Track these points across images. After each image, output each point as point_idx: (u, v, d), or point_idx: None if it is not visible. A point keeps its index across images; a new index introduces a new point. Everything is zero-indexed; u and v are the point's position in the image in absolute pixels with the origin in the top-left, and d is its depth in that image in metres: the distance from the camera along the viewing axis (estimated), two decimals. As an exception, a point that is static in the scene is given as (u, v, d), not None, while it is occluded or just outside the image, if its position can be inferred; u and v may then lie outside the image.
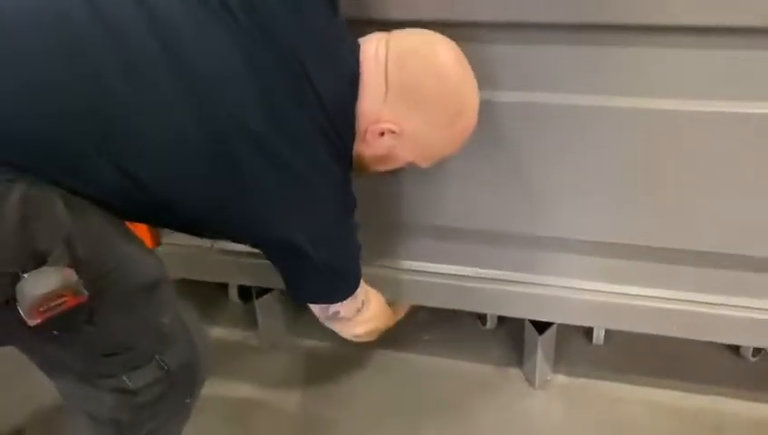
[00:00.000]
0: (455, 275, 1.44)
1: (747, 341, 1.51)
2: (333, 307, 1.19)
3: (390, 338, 1.50)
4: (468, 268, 1.43)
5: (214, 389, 1.27)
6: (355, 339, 1.31)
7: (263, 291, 1.76)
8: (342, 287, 1.17)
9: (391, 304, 1.39)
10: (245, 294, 1.90)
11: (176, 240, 1.57)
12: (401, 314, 1.48)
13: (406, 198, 1.35)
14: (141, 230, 1.53)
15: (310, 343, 1.80)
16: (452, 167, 1.24)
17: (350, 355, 1.72)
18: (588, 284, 1.37)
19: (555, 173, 1.24)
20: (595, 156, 1.20)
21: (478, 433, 1.53)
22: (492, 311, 1.49)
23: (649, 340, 1.72)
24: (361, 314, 1.24)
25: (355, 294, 1.18)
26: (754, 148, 1.13)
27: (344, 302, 1.18)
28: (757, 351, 1.68)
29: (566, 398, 1.63)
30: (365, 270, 1.19)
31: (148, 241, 1.55)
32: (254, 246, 1.11)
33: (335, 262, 1.11)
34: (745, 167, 1.15)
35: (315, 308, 1.21)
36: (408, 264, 1.46)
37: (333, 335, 1.31)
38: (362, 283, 1.20)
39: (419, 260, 1.46)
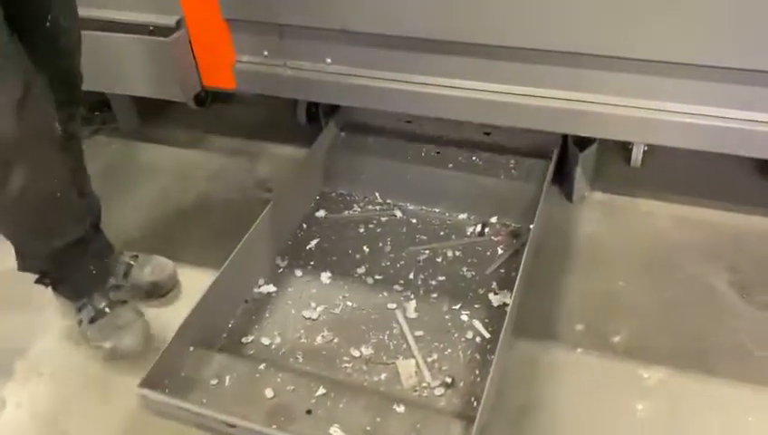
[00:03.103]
0: (495, 92, 1.55)
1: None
2: None
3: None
4: (519, 87, 1.55)
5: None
6: None
7: (331, 110, 1.93)
8: None
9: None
10: (313, 116, 2.09)
11: (251, 57, 1.72)
12: None
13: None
14: (223, 44, 1.69)
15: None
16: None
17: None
18: (628, 101, 1.48)
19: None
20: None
21: (519, 237, 1.74)
22: (536, 126, 1.61)
23: (682, 162, 1.88)
24: None
25: None
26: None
27: None
28: (785, 174, 1.82)
29: (600, 212, 1.81)
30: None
31: (227, 57, 1.71)
32: None
33: None
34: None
35: None
36: (455, 81, 1.59)
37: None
38: None
39: (468, 79, 1.57)
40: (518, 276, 1.46)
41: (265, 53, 1.71)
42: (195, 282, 1.64)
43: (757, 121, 1.42)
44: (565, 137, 1.79)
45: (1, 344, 1.50)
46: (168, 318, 1.54)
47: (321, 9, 1.56)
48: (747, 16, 1.28)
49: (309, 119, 2.11)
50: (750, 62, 1.34)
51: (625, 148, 1.89)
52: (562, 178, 1.85)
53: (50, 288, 1.53)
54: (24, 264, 1.47)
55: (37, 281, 1.51)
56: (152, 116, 2.26)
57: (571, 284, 1.62)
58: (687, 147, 1.49)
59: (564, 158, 1.81)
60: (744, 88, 1.39)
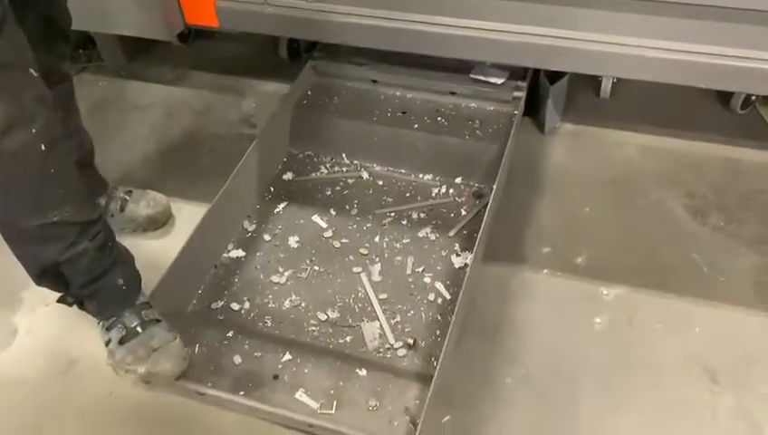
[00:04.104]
0: (469, 27, 1.61)
1: (738, 88, 1.70)
2: None
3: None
4: (492, 23, 1.61)
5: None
6: None
7: (310, 46, 1.98)
8: None
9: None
10: (294, 52, 2.14)
11: (233, -5, 1.76)
12: None
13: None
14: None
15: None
16: None
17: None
18: (595, 36, 1.55)
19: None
20: None
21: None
22: (507, 61, 1.67)
23: (650, 95, 1.97)
24: None
25: None
26: None
27: None
28: (746, 105, 1.91)
29: (570, 141, 1.91)
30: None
31: (209, -4, 1.75)
32: None
33: None
34: None
35: None
36: (432, 18, 1.64)
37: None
38: None
39: (443, 15, 1.63)
40: (478, 239, 1.49)
41: (245, -10, 1.75)
42: (188, 214, 1.75)
43: (717, 55, 1.50)
44: (536, 72, 1.86)
45: (9, 276, 1.60)
46: (164, 250, 1.63)
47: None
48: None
49: (290, 54, 2.16)
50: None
51: (595, 80, 1.96)
52: (534, 110, 1.93)
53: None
54: (32, 271, 1.32)
55: (59, 300, 1.40)
56: (138, 53, 2.30)
57: (540, 210, 1.73)
58: (652, 79, 1.56)
59: (536, 91, 1.89)
60: (705, 23, 1.46)
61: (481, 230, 1.51)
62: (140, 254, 1.46)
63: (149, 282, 1.45)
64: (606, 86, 1.92)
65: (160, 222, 1.73)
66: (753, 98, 1.92)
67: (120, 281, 1.37)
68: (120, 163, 1.92)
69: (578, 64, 1.63)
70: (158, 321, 1.40)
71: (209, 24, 1.83)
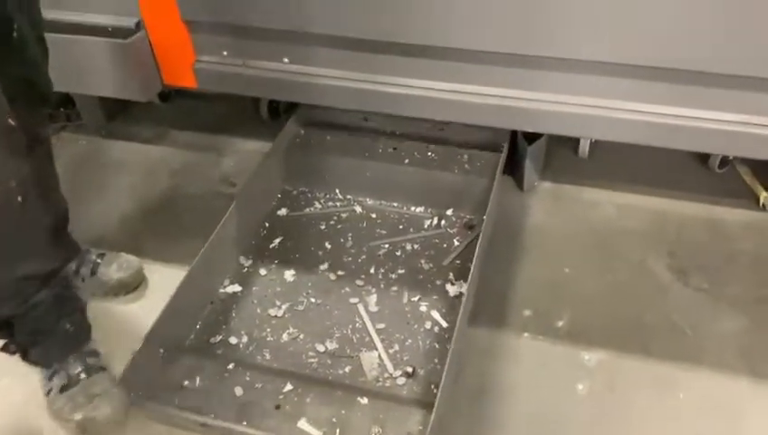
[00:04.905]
0: (446, 90, 1.61)
1: (710, 149, 1.71)
2: None
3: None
4: (468, 86, 1.62)
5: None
6: None
7: (291, 106, 1.98)
8: None
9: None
10: (274, 112, 2.14)
11: (211, 57, 1.77)
12: None
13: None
14: (182, 45, 1.73)
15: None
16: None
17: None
18: (571, 98, 1.55)
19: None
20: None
21: (473, 227, 1.82)
22: (484, 123, 1.68)
23: (628, 153, 1.98)
24: None
25: None
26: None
27: None
28: (723, 163, 1.92)
29: (550, 200, 1.91)
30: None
31: (187, 57, 1.76)
32: None
33: None
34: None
35: None
36: (409, 81, 1.65)
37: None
38: None
39: (421, 78, 1.63)
40: (473, 266, 1.52)
41: (225, 52, 1.75)
42: (162, 278, 1.71)
43: (689, 117, 1.50)
44: (515, 131, 1.87)
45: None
46: (136, 315, 1.61)
47: (277, 11, 1.61)
48: (675, 18, 1.36)
49: (271, 114, 2.17)
50: (678, 62, 1.42)
51: (574, 138, 1.97)
52: (514, 168, 1.93)
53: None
54: None
55: (1, 349, 1.34)
56: (117, 112, 2.29)
57: (520, 270, 1.71)
58: (626, 141, 1.56)
59: (515, 150, 1.89)
60: (676, 86, 1.47)
61: (475, 258, 1.53)
62: (111, 319, 1.43)
63: (120, 349, 1.41)
64: (584, 145, 1.93)
65: (132, 286, 1.68)
66: (731, 157, 1.93)
67: (68, 326, 1.34)
68: (96, 223, 1.89)
69: (551, 126, 1.62)
70: (103, 369, 1.36)
71: (188, 84, 1.83)
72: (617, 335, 1.54)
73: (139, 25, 1.73)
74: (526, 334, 1.56)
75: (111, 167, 2.12)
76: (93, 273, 1.64)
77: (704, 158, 1.96)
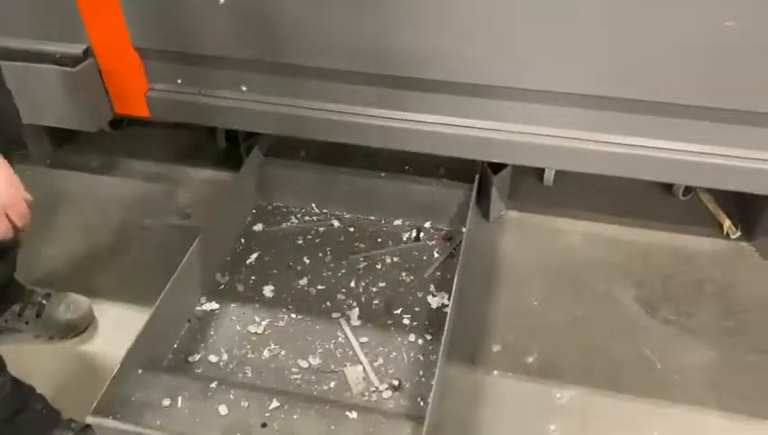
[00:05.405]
0: (406, 120, 1.57)
1: (679, 180, 1.70)
2: None
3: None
4: (431, 116, 1.58)
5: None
6: None
7: (250, 134, 1.92)
8: None
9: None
10: (232, 140, 2.06)
11: (164, 86, 1.69)
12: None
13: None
14: (134, 73, 1.65)
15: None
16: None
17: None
18: (533, 128, 1.53)
19: (520, 23, 1.37)
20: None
21: (439, 259, 1.78)
22: (445, 153, 1.65)
23: (594, 181, 1.96)
24: None
25: None
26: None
27: None
28: (687, 191, 1.92)
29: (516, 230, 1.87)
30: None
31: (139, 85, 1.68)
32: None
33: None
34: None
35: None
36: (369, 110, 1.60)
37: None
38: None
39: (380, 107, 1.59)
40: (456, 276, 1.52)
41: (179, 80, 1.68)
42: (112, 316, 1.63)
43: (652, 148, 1.49)
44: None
45: None
46: (86, 356, 1.52)
47: (232, 39, 1.55)
48: (636, 50, 1.35)
49: (228, 142, 2.09)
50: (640, 93, 1.41)
51: (539, 167, 1.95)
52: (480, 198, 1.89)
53: None
54: None
55: None
56: (64, 140, 2.19)
57: (488, 303, 1.67)
58: (586, 171, 1.54)
59: (481, 179, 1.86)
60: (641, 117, 1.46)
61: (457, 270, 1.53)
62: (59, 362, 1.34)
63: (67, 394, 1.35)
64: (549, 173, 1.91)
65: (80, 328, 1.59)
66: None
67: (40, 406, 1.30)
68: (42, 260, 1.78)
69: (515, 157, 1.60)
70: (88, 426, 1.30)
71: (140, 113, 1.75)
72: (587, 371, 1.51)
73: (87, 52, 1.65)
74: (496, 372, 1.51)
75: (58, 198, 2.00)
76: (39, 315, 1.54)
77: (668, 185, 1.95)
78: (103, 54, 1.67)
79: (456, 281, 1.51)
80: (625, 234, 1.84)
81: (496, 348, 1.56)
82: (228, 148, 2.09)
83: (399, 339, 1.56)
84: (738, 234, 1.82)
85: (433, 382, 1.34)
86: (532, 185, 1.98)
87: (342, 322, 1.61)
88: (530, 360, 1.53)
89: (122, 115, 1.82)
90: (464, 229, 1.68)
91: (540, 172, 1.95)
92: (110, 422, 1.26)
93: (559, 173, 1.92)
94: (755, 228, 1.80)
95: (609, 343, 1.57)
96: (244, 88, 1.66)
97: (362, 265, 1.75)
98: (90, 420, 1.25)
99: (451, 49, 1.43)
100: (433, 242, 1.81)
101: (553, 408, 1.44)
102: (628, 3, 1.29)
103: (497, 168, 1.81)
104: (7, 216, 1.04)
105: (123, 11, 1.56)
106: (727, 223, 1.82)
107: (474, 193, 1.77)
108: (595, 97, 1.42)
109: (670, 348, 1.55)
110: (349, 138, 1.66)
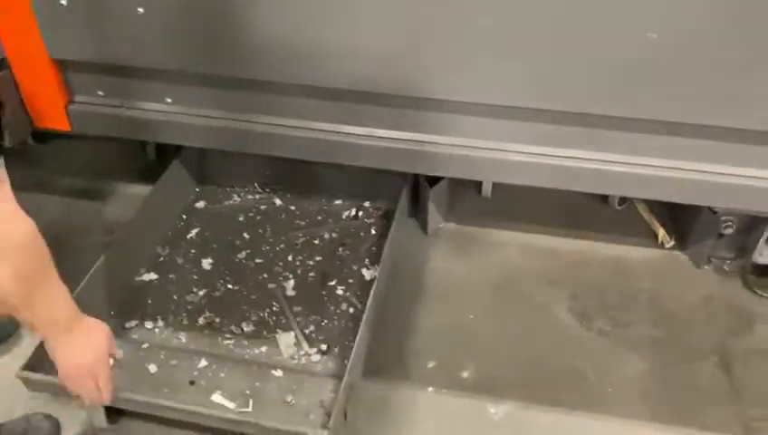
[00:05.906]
0: (336, 132, 1.54)
1: (613, 191, 1.71)
2: None
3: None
4: (361, 128, 1.54)
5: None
6: None
7: (178, 148, 1.86)
8: None
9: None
10: (163, 152, 2.00)
11: (86, 98, 1.62)
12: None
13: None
14: (52, 85, 1.58)
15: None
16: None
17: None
18: (469, 141, 1.51)
19: (441, 35, 1.34)
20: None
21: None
22: (380, 166, 1.63)
23: (531, 192, 1.93)
24: None
25: None
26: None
27: None
28: (623, 201, 1.92)
29: (454, 243, 1.85)
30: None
31: (59, 97, 1.60)
32: None
33: None
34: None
35: None
36: (297, 121, 1.56)
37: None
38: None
39: (308, 119, 1.55)
40: (385, 248, 1.62)
41: (100, 92, 1.61)
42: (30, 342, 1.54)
43: (587, 159, 1.49)
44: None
45: None
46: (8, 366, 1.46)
47: (153, 50, 1.49)
48: (570, 62, 1.34)
49: (159, 154, 2.02)
50: (574, 105, 1.40)
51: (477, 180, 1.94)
52: (417, 211, 1.87)
53: None
54: None
55: None
56: (-14, 155, 2.08)
57: (423, 318, 1.64)
58: (527, 184, 1.54)
59: (417, 192, 1.84)
60: (576, 129, 1.45)
61: (387, 243, 1.64)
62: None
63: None
64: (487, 186, 1.90)
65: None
66: (629, 194, 1.94)
67: None
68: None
69: (450, 170, 1.58)
70: None
71: (60, 127, 1.67)
72: (523, 385, 1.49)
73: (2, 64, 1.57)
74: (431, 388, 1.48)
75: (-22, 216, 1.91)
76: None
77: (604, 195, 1.96)
78: (20, 66, 1.58)
79: (387, 247, 1.62)
80: (562, 245, 1.84)
81: (431, 364, 1.53)
82: (159, 161, 2.01)
83: (332, 308, 1.63)
84: (672, 243, 1.83)
85: (356, 341, 1.40)
86: (471, 197, 1.96)
87: (278, 292, 1.66)
88: (465, 375, 1.51)
89: (42, 129, 1.75)
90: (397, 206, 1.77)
91: (478, 184, 1.94)
92: (38, 376, 1.32)
93: (497, 185, 1.91)
94: (688, 237, 1.81)
95: (545, 355, 1.55)
96: (169, 100, 1.60)
97: (301, 240, 1.81)
98: (19, 374, 1.31)
99: (381, 61, 1.41)
100: (371, 220, 1.87)
101: (489, 424, 1.41)
102: (553, 15, 1.28)
103: (434, 180, 1.78)
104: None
105: (37, 21, 1.49)
106: (662, 232, 1.83)
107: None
108: (522, 109, 1.41)
109: (605, 360, 1.55)
110: (281, 151, 1.62)
